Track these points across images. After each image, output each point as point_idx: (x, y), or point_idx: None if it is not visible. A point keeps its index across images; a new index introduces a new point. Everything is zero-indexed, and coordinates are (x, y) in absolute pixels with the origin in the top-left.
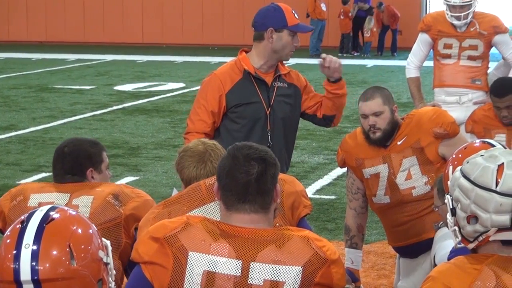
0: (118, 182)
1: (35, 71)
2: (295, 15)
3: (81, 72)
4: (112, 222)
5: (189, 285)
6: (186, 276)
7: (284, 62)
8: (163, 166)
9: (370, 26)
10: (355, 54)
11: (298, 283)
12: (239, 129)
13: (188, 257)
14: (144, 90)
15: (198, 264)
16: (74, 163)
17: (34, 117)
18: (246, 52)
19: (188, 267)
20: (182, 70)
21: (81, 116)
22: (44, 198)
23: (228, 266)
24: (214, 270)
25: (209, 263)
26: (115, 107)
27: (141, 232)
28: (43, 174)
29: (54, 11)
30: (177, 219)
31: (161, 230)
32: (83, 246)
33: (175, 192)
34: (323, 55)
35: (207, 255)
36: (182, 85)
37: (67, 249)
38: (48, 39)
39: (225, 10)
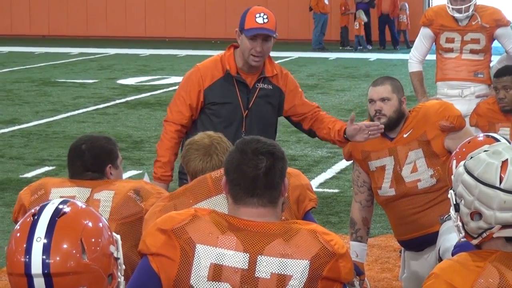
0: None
1: (38, 65)
2: (261, 18)
3: (84, 66)
4: (133, 216)
5: (196, 277)
6: (193, 268)
7: (276, 62)
8: None
9: (363, 18)
10: (358, 47)
11: (306, 277)
12: (213, 126)
13: (196, 249)
14: (147, 83)
15: (205, 256)
16: (95, 160)
17: (37, 111)
18: (236, 48)
19: (195, 260)
20: (185, 63)
21: (84, 110)
22: (65, 192)
23: (235, 259)
24: (221, 263)
25: (216, 255)
26: (118, 101)
27: (147, 225)
28: (46, 168)
29: (57, 5)
30: (185, 211)
31: (169, 222)
32: (94, 241)
33: (146, 177)
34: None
35: (214, 247)
36: None
37: (79, 244)
38: (51, 33)
39: (228, 3)
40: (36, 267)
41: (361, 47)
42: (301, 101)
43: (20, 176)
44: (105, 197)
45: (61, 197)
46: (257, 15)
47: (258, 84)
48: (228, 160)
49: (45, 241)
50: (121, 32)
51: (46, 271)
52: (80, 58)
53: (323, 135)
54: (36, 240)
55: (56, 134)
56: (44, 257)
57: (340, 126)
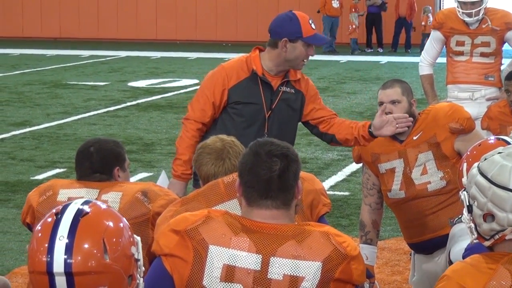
0: (132, 179)
1: (49, 67)
2: (312, 25)
3: (95, 68)
4: (140, 218)
5: (208, 278)
6: (206, 269)
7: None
8: None
9: (356, 22)
10: (369, 50)
11: (318, 279)
12: (235, 126)
13: (209, 250)
14: (158, 86)
15: (218, 257)
16: (103, 162)
17: (48, 113)
18: (261, 50)
19: (208, 260)
20: (196, 66)
21: (95, 112)
22: (73, 193)
23: (248, 260)
24: (234, 264)
25: (229, 257)
26: (129, 103)
27: (158, 230)
28: (57, 170)
29: (68, 7)
30: (199, 212)
31: (182, 223)
32: (116, 241)
33: (163, 175)
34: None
35: (227, 249)
36: (195, 81)
37: (101, 243)
38: (62, 36)
39: (239, 6)
40: (58, 266)
41: (359, 50)
42: (320, 106)
43: (31, 178)
44: (113, 198)
45: (69, 198)
46: (310, 22)
47: (282, 87)
48: (242, 162)
49: (68, 240)
50: (132, 35)
51: (68, 270)
52: (91, 61)
53: (343, 136)
54: (59, 239)
55: (67, 136)
56: (67, 255)
57: (363, 122)
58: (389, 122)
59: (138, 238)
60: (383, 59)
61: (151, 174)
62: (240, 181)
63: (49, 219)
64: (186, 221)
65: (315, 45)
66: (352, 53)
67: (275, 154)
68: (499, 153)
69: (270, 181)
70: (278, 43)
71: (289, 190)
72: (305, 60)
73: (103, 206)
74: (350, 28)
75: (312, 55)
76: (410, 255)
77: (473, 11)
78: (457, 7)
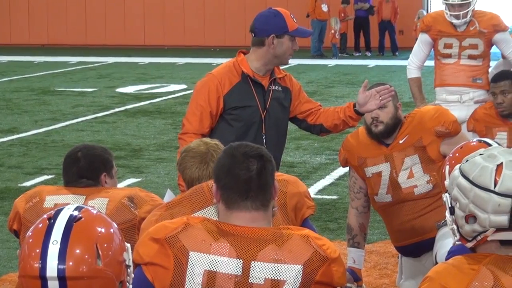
0: (120, 185)
1: (37, 74)
2: (294, 19)
3: (83, 75)
4: (127, 224)
5: (190, 285)
6: (187, 276)
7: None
8: (165, 167)
9: (337, 27)
10: (357, 54)
11: (299, 282)
12: (233, 132)
13: (189, 257)
14: (146, 92)
15: (199, 264)
16: (90, 167)
17: (36, 120)
18: (244, 53)
19: (189, 267)
20: (184, 71)
21: (83, 119)
22: (59, 200)
23: (229, 265)
24: (215, 270)
25: (210, 262)
26: (117, 109)
27: (142, 234)
28: (45, 177)
29: (56, 14)
30: (177, 220)
31: (162, 231)
32: (108, 247)
33: (168, 193)
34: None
35: (207, 254)
36: (184, 86)
37: (94, 249)
38: (50, 42)
39: (227, 11)
40: (51, 270)
41: (339, 54)
42: (306, 99)
43: (19, 185)
44: (99, 204)
45: (55, 204)
46: (292, 16)
47: (271, 86)
48: (219, 166)
49: (61, 244)
50: (120, 41)
51: (61, 275)
52: (79, 67)
53: (331, 122)
54: (52, 243)
55: (55, 143)
56: (60, 260)
57: (347, 103)
58: (373, 96)
59: (129, 245)
60: (371, 62)
61: (139, 180)
62: (217, 186)
63: (41, 225)
64: (165, 229)
65: (301, 37)
66: (332, 58)
67: (251, 155)
68: (480, 154)
69: (250, 180)
70: (265, 40)
71: (268, 190)
72: (291, 55)
73: (95, 211)
74: (331, 33)
75: (296, 50)
76: (398, 258)
77: (461, 13)
78: (445, 9)
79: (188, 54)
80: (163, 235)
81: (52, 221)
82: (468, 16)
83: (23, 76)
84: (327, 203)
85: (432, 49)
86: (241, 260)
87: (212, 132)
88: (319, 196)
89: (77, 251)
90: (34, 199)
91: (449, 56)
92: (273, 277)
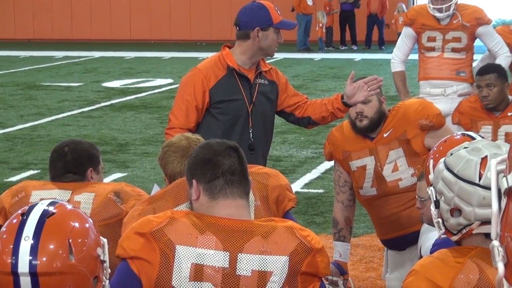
0: (106, 179)
1: (23, 68)
2: (278, 11)
3: (69, 69)
4: (113, 218)
5: (177, 278)
6: (174, 269)
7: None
8: (151, 162)
9: (323, 21)
10: (343, 48)
11: (286, 273)
12: (220, 126)
13: (176, 251)
14: (132, 86)
15: (185, 257)
16: (76, 162)
17: (22, 115)
18: (229, 47)
19: (176, 261)
20: (170, 66)
21: (69, 113)
22: (45, 195)
23: (216, 258)
24: (202, 263)
25: (197, 255)
26: (103, 104)
27: (125, 228)
28: (31, 172)
29: (42, 9)
30: (162, 214)
31: (147, 225)
32: (82, 242)
33: (155, 187)
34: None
35: (194, 248)
36: (170, 81)
37: (67, 244)
38: (36, 37)
39: (213, 6)
40: (23, 266)
41: (325, 48)
42: (293, 92)
43: (5, 180)
44: (85, 199)
45: (41, 199)
46: (276, 9)
47: (257, 80)
48: (197, 160)
49: (33, 240)
50: (106, 35)
51: (32, 270)
52: (65, 62)
53: (319, 115)
54: (24, 239)
55: (41, 138)
56: (32, 256)
57: (335, 95)
58: (360, 87)
59: (105, 240)
60: (357, 56)
61: (125, 174)
62: (197, 181)
63: (15, 220)
64: (150, 224)
65: (285, 30)
66: (318, 52)
67: (227, 146)
68: (464, 148)
69: (233, 166)
70: (250, 33)
71: (248, 178)
72: (276, 47)
73: (69, 206)
74: (318, 27)
75: (281, 42)
76: (384, 251)
77: (444, 6)
78: (428, 2)
79: (174, 49)
80: (148, 229)
81: (25, 217)
82: (451, 9)
83: (9, 71)
84: (313, 197)
85: (416, 43)
86: (227, 252)
87: (198, 127)
88: (305, 190)
89: (49, 246)
90: (20, 194)
91: (432, 49)
92: (260, 269)
